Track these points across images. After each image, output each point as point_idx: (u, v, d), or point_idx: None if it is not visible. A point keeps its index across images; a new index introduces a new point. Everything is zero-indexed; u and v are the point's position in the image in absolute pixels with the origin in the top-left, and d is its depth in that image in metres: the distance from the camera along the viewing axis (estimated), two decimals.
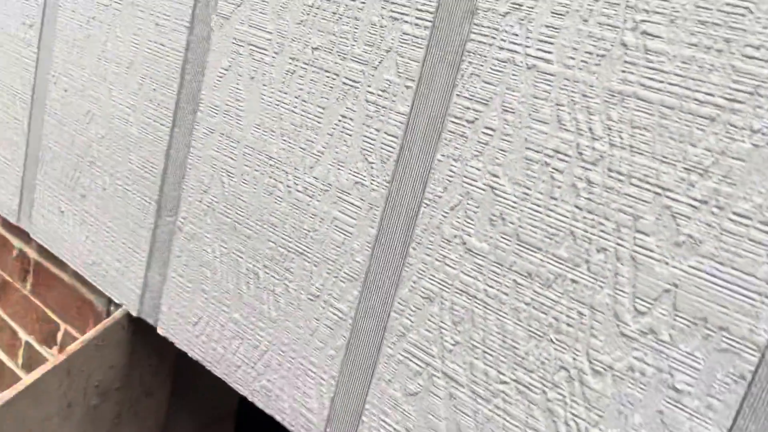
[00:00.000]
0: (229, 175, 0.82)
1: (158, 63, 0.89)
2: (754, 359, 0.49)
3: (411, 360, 0.67)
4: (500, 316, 0.61)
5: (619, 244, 0.55)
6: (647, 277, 0.53)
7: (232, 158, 0.82)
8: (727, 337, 0.50)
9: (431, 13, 0.64)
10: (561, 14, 0.57)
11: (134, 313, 0.95)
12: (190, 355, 0.88)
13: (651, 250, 0.53)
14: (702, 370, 0.51)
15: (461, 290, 0.63)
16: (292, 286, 0.77)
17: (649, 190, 0.53)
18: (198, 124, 0.85)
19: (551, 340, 0.58)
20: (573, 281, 0.57)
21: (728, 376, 0.50)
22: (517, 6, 0.59)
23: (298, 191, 0.75)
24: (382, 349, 0.69)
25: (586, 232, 0.56)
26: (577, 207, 0.57)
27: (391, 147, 0.68)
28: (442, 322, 0.65)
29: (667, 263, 0.53)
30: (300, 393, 0.77)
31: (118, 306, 1.01)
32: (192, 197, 0.86)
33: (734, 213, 0.50)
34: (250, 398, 0.82)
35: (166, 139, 0.89)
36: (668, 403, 0.53)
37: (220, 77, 0.82)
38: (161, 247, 0.91)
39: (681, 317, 0.52)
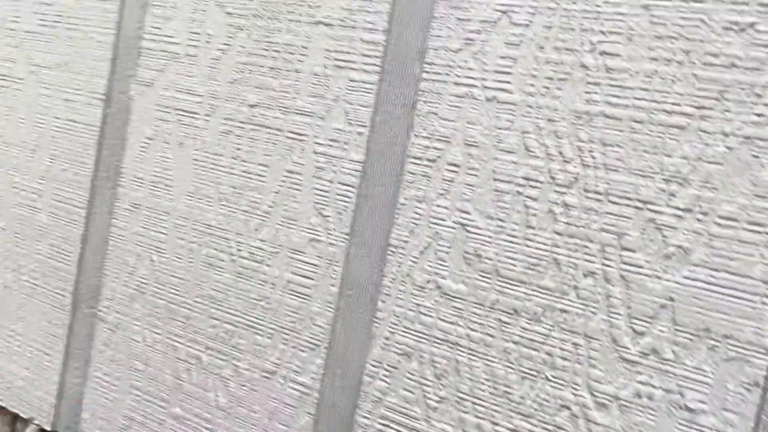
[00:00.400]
0: (159, 252, 0.75)
1: (70, 141, 0.82)
2: (764, 363, 0.48)
3: (391, 427, 0.61)
4: (488, 360, 0.57)
5: (606, 265, 0.53)
6: (641, 294, 0.52)
7: (162, 233, 0.74)
8: (733, 345, 0.49)
9: (378, 57, 0.63)
10: (515, 44, 0.57)
11: (48, 428, 0.82)
12: None
13: (641, 266, 0.52)
14: (712, 384, 0.49)
15: (441, 339, 0.59)
16: (243, 365, 0.69)
17: (629, 206, 0.52)
18: (119, 201, 0.78)
19: (547, 377, 0.55)
20: (563, 311, 0.54)
21: (741, 385, 0.48)
22: (470, 41, 0.59)
23: (243, 258, 0.69)
24: (356, 420, 0.62)
25: (570, 257, 0.54)
26: (556, 233, 0.55)
27: (347, 197, 0.64)
28: (423, 378, 0.60)
29: (659, 277, 0.51)
30: None
31: (26, 422, 0.87)
32: (116, 282, 0.77)
33: (720, 217, 0.49)
34: None
35: (81, 221, 0.80)
36: (683, 425, 0.50)
37: (144, 148, 0.76)
38: (80, 344, 0.80)
39: (682, 331, 0.50)
